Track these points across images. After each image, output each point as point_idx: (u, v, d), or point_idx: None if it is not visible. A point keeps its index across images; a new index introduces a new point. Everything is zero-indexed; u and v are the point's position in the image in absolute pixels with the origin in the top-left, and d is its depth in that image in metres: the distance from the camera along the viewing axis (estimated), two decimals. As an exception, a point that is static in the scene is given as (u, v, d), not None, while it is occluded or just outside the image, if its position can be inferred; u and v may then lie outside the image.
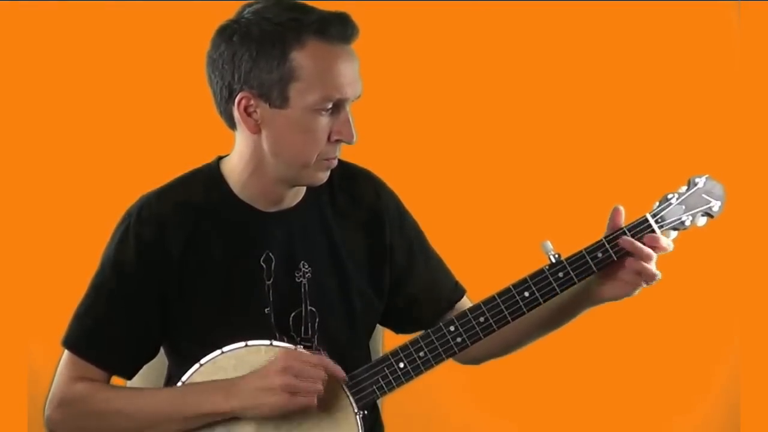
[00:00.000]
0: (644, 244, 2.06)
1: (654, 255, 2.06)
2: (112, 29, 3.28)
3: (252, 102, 2.04)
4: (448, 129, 3.38)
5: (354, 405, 2.06)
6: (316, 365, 2.02)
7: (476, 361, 2.28)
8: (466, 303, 2.25)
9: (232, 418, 2.04)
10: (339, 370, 2.04)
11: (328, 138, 2.05)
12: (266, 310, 2.12)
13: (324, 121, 2.04)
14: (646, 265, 2.05)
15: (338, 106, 2.04)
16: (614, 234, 2.07)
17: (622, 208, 2.09)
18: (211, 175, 2.15)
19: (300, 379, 2.01)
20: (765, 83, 3.15)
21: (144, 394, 2.10)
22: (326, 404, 2.04)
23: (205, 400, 2.03)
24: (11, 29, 3.11)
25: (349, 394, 2.06)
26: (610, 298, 2.11)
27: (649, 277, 2.06)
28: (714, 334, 3.40)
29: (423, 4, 3.34)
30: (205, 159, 2.19)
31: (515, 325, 2.13)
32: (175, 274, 2.10)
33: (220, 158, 2.17)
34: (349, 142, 2.06)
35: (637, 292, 2.09)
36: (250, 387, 2.02)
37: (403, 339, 2.11)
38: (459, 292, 2.27)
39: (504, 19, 3.36)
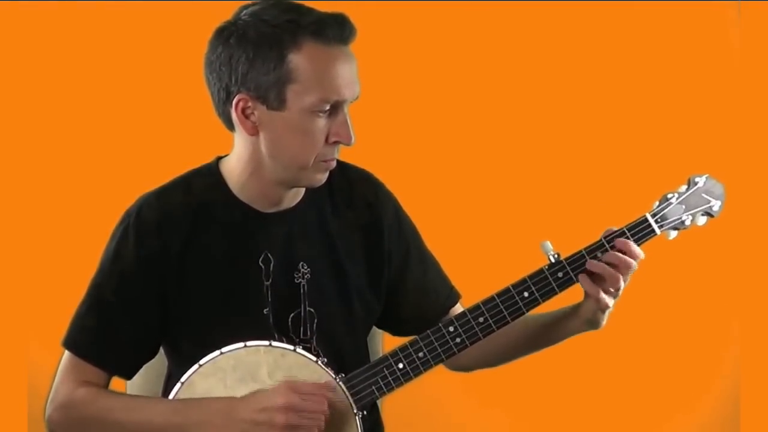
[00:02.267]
0: (614, 248, 2.05)
1: (631, 262, 2.04)
2: (112, 29, 3.28)
3: (249, 104, 2.03)
4: (446, 129, 3.38)
5: (353, 405, 2.06)
6: (318, 396, 2.02)
7: (466, 369, 2.28)
8: (458, 310, 2.24)
9: None
10: (338, 399, 2.04)
11: (326, 140, 2.04)
12: (265, 310, 2.12)
13: (321, 122, 2.03)
14: (608, 268, 2.03)
15: (336, 108, 2.03)
16: (614, 234, 2.07)
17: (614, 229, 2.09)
18: (210, 176, 2.15)
19: (302, 416, 2.00)
20: (765, 83, 3.15)
21: (144, 407, 2.08)
22: (325, 405, 2.05)
23: (204, 422, 2.02)
24: (11, 29, 3.11)
25: (348, 394, 2.06)
26: (588, 316, 2.09)
27: (612, 281, 2.04)
28: (714, 334, 3.40)
29: (422, 4, 3.33)
30: (205, 159, 2.19)
31: (506, 339, 2.14)
32: (175, 274, 2.10)
33: (220, 158, 2.17)
34: (347, 144, 2.05)
35: (606, 302, 2.05)
36: (252, 419, 2.00)
37: (403, 340, 2.11)
38: (453, 297, 2.27)
39: (504, 19, 3.36)
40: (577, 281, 2.07)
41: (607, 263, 2.05)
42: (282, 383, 2.03)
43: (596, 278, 2.05)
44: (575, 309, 2.11)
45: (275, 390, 2.02)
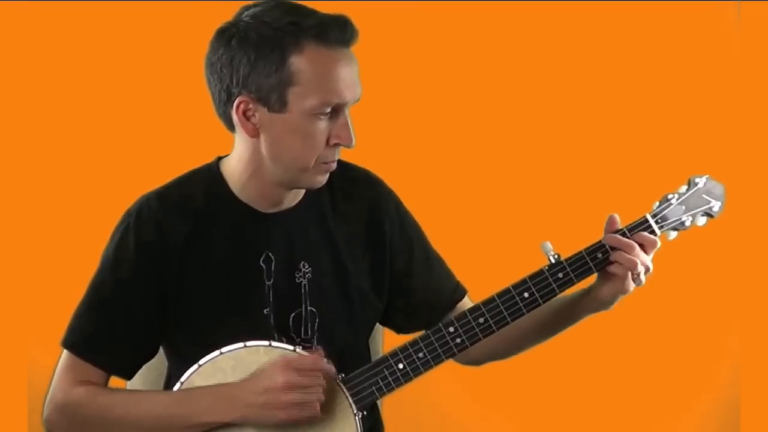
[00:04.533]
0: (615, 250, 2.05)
1: (635, 246, 2.04)
2: (112, 29, 3.28)
3: (250, 106, 2.03)
4: (447, 130, 3.38)
5: (353, 406, 2.06)
6: (313, 371, 2.02)
7: (476, 362, 2.28)
8: (467, 303, 2.24)
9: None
10: (330, 367, 2.04)
11: (327, 142, 2.04)
12: (266, 310, 2.12)
13: (323, 125, 2.03)
14: (627, 255, 2.04)
15: (337, 110, 2.03)
16: (614, 234, 2.07)
17: (617, 216, 2.08)
18: (211, 176, 2.15)
19: (303, 392, 2.01)
20: (765, 83, 3.15)
21: (143, 400, 2.09)
22: (325, 405, 2.04)
23: (206, 410, 2.03)
24: (11, 29, 3.10)
25: (348, 395, 2.06)
26: (606, 298, 2.08)
27: (631, 266, 2.04)
28: (714, 334, 3.40)
29: (423, 5, 3.33)
30: (205, 159, 2.19)
31: (516, 327, 2.13)
32: (175, 275, 2.10)
33: (220, 158, 2.17)
34: (348, 146, 2.05)
35: (628, 287, 2.06)
36: (255, 402, 2.01)
37: (404, 339, 2.11)
38: (460, 292, 2.27)
39: (504, 19, 3.36)
40: (577, 282, 2.08)
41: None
42: (278, 361, 2.02)
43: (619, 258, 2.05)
44: (587, 292, 2.10)
45: (272, 369, 2.02)
